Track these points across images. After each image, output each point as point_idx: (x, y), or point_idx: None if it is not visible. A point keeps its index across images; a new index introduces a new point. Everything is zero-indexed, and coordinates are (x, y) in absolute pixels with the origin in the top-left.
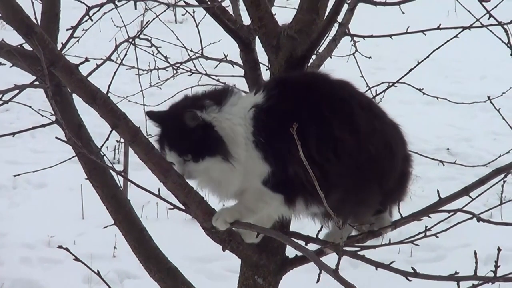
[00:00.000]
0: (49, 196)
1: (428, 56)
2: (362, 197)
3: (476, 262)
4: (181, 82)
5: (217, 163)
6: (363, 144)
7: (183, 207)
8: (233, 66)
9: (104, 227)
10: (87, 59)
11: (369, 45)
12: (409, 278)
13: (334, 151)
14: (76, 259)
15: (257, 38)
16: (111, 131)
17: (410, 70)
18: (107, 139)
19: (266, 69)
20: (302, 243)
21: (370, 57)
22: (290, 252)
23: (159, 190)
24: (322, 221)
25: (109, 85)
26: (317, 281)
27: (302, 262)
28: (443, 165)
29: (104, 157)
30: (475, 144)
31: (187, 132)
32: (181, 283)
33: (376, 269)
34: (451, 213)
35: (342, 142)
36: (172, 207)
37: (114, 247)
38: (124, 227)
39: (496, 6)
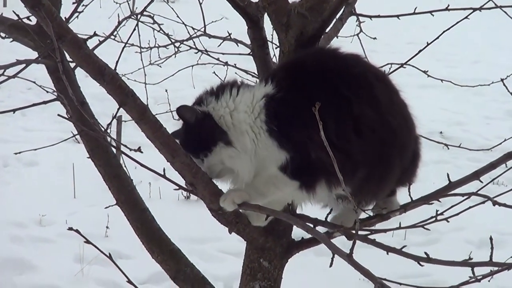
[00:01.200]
0: (41, 175)
1: (438, 37)
2: (386, 172)
3: (492, 248)
4: (181, 62)
5: (222, 150)
6: (384, 116)
7: (188, 188)
8: (237, 45)
9: (106, 207)
10: (95, 34)
11: (364, 28)
12: (421, 263)
13: (355, 129)
14: (87, 241)
15: (265, 16)
16: (118, 109)
17: (420, 51)
18: (114, 117)
19: (276, 47)
20: (310, 226)
21: (375, 38)
22: (296, 235)
23: (164, 170)
24: (335, 203)
25: (117, 62)
26: (330, 265)
27: (309, 245)
28: (448, 148)
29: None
30: (468, 128)
31: (191, 130)
32: (184, 265)
33: (387, 253)
34: (465, 197)
35: (362, 117)
36: (177, 187)
37: (106, 227)
38: (127, 208)
39: None
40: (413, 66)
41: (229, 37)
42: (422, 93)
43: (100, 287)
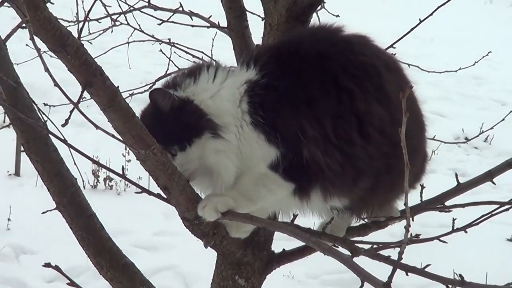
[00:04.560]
0: None
1: (431, 14)
2: (396, 181)
3: None
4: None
5: (208, 142)
6: (395, 116)
7: (154, 193)
8: (191, 18)
9: (44, 212)
10: None
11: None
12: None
13: (359, 130)
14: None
15: None
16: (82, 91)
17: (412, 29)
18: (79, 101)
19: (262, 19)
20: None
21: (338, 15)
22: (276, 246)
23: (123, 168)
24: (327, 213)
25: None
26: None
27: (291, 258)
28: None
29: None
30: None
31: (165, 119)
32: (139, 283)
33: (407, 274)
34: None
35: (369, 115)
36: (140, 190)
37: (8, 219)
38: (70, 213)
39: None
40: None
41: (180, 8)
42: None
43: (3, 286)
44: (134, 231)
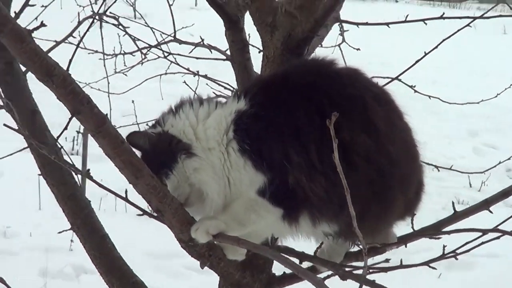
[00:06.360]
0: (5, 186)
1: (437, 46)
2: (384, 209)
3: None
4: (148, 75)
5: (186, 163)
6: (383, 145)
7: (155, 215)
8: (211, 51)
9: (59, 232)
10: (42, 24)
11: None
12: None
13: (344, 158)
14: None
15: (246, 16)
16: (70, 118)
17: (417, 61)
18: (65, 128)
19: (259, 52)
20: (295, 261)
21: (358, 49)
22: (278, 268)
23: (126, 192)
24: (323, 238)
25: (69, 65)
26: None
27: (292, 281)
28: (438, 170)
29: (62, 150)
30: (430, 147)
31: (148, 156)
32: None
33: None
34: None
35: (355, 145)
36: (141, 212)
37: (71, 241)
38: (83, 233)
39: None
40: (400, 81)
41: (201, 42)
42: None
43: None
44: (186, 254)
